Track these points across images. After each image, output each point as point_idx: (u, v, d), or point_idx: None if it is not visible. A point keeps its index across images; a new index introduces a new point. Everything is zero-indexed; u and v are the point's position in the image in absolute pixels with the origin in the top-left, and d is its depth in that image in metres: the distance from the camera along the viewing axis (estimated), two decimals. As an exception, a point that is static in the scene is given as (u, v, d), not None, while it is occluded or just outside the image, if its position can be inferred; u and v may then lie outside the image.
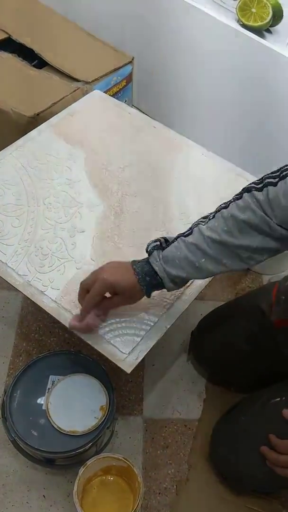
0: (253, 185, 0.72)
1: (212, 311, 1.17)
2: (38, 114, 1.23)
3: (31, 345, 1.23)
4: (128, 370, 0.78)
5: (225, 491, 1.05)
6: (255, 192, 0.71)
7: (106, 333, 0.81)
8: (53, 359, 1.04)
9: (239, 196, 0.73)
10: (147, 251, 0.78)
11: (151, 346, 0.81)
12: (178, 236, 0.77)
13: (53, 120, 1.13)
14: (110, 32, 1.57)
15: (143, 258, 0.79)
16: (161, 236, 0.79)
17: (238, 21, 1.26)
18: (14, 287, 0.86)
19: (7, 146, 1.06)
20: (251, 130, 1.40)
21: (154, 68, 1.58)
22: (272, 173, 0.72)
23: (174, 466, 1.09)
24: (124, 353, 0.79)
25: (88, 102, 1.18)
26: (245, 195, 0.72)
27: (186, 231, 0.77)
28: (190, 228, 0.76)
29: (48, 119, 1.13)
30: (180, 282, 0.78)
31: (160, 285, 0.77)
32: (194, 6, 1.31)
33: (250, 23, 1.23)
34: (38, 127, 1.11)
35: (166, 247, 0.76)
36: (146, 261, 0.77)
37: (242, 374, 1.10)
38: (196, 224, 0.76)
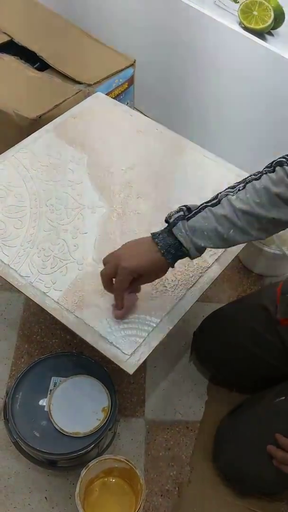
0: (284, 159, 0.72)
1: (214, 311, 1.16)
2: (40, 117, 1.23)
3: (33, 346, 1.23)
4: (130, 371, 0.78)
5: (227, 493, 1.05)
6: (285, 167, 0.71)
7: (108, 334, 0.81)
8: (55, 360, 1.04)
9: (271, 169, 0.73)
10: (168, 222, 0.76)
11: (153, 347, 0.81)
12: (204, 206, 0.75)
13: (55, 122, 1.13)
14: (112, 35, 1.58)
15: (162, 229, 0.77)
16: (184, 205, 0.77)
17: (240, 23, 1.26)
18: (16, 288, 0.86)
19: (10, 148, 1.07)
20: (252, 129, 1.40)
21: (155, 71, 1.58)
22: None
23: (176, 468, 1.08)
24: (126, 354, 0.80)
25: (90, 104, 1.18)
26: (278, 168, 0.72)
27: (212, 200, 0.75)
28: (217, 198, 0.75)
29: (50, 121, 1.14)
30: (203, 250, 0.77)
31: (185, 255, 0.76)
32: (196, 8, 1.31)
33: (252, 26, 1.23)
34: (40, 129, 1.11)
35: (192, 217, 0.74)
36: (168, 231, 0.75)
37: (245, 374, 1.10)
38: (225, 194, 0.74)
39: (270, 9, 1.18)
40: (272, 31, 1.23)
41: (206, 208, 0.74)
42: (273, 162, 0.73)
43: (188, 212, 0.75)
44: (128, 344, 0.80)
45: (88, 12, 1.67)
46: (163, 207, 0.99)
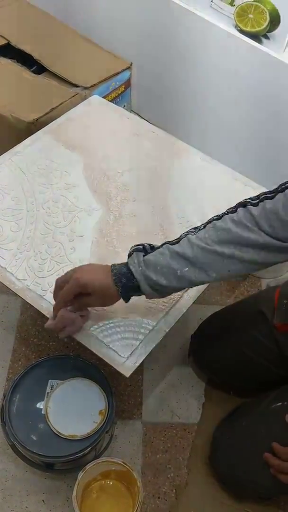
0: (249, 200, 0.72)
1: (212, 316, 1.16)
2: (37, 120, 1.23)
3: (30, 349, 1.23)
4: (127, 374, 0.79)
5: (224, 496, 1.05)
6: (250, 207, 0.71)
7: (105, 337, 0.81)
8: (52, 363, 1.04)
9: (233, 210, 0.73)
10: (128, 254, 0.77)
11: (150, 350, 0.81)
12: (164, 243, 0.76)
13: (52, 125, 1.14)
14: (108, 38, 1.58)
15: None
16: (148, 243, 0.77)
17: (236, 26, 1.27)
18: (13, 291, 0.86)
19: (6, 151, 1.07)
20: (250, 132, 1.41)
21: (152, 74, 1.59)
22: (269, 191, 0.71)
23: (173, 470, 1.08)
24: (123, 357, 0.80)
25: (87, 107, 1.18)
26: (240, 209, 0.72)
27: (173, 240, 0.76)
28: (179, 238, 0.75)
29: (47, 124, 1.14)
30: (160, 290, 0.75)
31: (136, 289, 0.76)
32: (192, 12, 1.32)
33: (248, 29, 1.24)
34: (37, 133, 1.12)
35: (151, 252, 0.75)
36: (126, 263, 0.76)
37: (242, 378, 1.10)
38: (186, 234, 0.75)
39: (265, 12, 1.18)
40: (267, 34, 1.23)
41: (165, 245, 0.75)
42: (238, 203, 0.73)
43: (150, 249, 0.76)
44: (125, 347, 0.81)
45: (84, 15, 1.68)
46: (159, 210, 0.99)
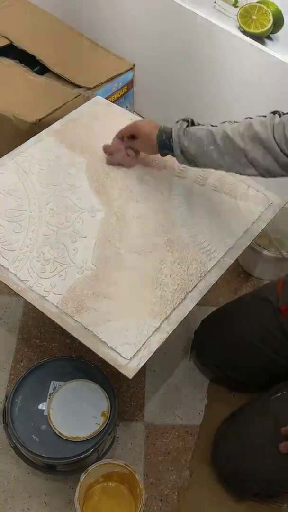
0: (278, 111, 0.83)
1: (215, 310, 1.18)
2: (40, 120, 1.23)
3: (33, 350, 1.23)
4: (130, 375, 0.78)
5: (226, 498, 1.05)
6: (276, 116, 0.82)
7: (107, 339, 0.81)
8: (54, 364, 1.04)
9: (264, 115, 0.83)
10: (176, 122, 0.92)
11: (153, 351, 0.81)
12: (208, 123, 0.89)
13: (55, 126, 1.13)
14: (111, 39, 1.58)
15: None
16: (198, 122, 0.92)
17: (239, 28, 1.26)
18: (15, 292, 0.86)
19: (9, 151, 1.07)
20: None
21: (155, 75, 1.59)
22: None
23: (175, 473, 1.08)
24: (126, 358, 0.79)
25: (89, 108, 1.18)
26: (269, 114, 0.83)
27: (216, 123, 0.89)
28: (221, 123, 0.88)
29: (50, 125, 1.14)
30: (188, 157, 0.90)
31: (171, 149, 0.91)
32: (195, 13, 1.31)
33: (251, 30, 1.24)
34: (40, 133, 1.11)
35: (196, 125, 0.90)
36: (172, 126, 0.91)
37: (246, 370, 1.09)
38: (224, 121, 0.88)
39: (269, 13, 1.18)
40: (271, 35, 1.23)
41: (207, 124, 0.89)
42: (274, 111, 0.84)
43: (197, 124, 0.92)
44: (128, 349, 0.80)
45: (87, 16, 1.68)
46: (162, 211, 0.99)
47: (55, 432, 0.95)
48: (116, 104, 1.29)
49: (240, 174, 0.86)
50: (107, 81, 1.36)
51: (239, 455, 0.97)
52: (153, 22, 1.47)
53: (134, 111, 1.59)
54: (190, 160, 0.90)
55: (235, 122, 0.86)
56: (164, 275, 0.89)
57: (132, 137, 0.99)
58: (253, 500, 1.05)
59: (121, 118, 1.17)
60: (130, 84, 1.46)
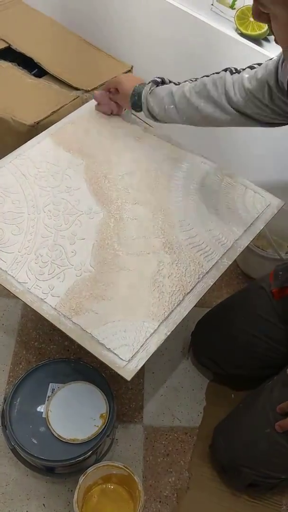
0: (231, 68, 0.93)
1: (211, 308, 1.20)
2: (38, 123, 1.23)
3: (31, 352, 1.23)
4: (128, 377, 0.78)
5: (226, 499, 1.05)
6: (227, 73, 0.92)
7: (105, 340, 0.81)
8: (53, 366, 1.04)
9: (220, 71, 0.94)
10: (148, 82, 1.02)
11: (151, 353, 0.81)
12: (171, 82, 1.01)
13: (53, 128, 1.14)
14: (109, 41, 1.58)
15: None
16: (171, 80, 1.02)
17: (236, 30, 1.27)
18: (14, 294, 0.86)
19: (7, 154, 1.07)
20: (250, 135, 1.41)
21: (152, 76, 1.59)
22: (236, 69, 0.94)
23: (174, 474, 1.08)
24: (124, 360, 0.79)
25: (87, 110, 1.18)
26: (222, 72, 0.93)
27: (179, 82, 1.00)
28: (184, 81, 0.98)
29: (48, 127, 1.14)
30: (154, 116, 1.03)
31: (140, 106, 1.04)
32: (192, 15, 1.32)
33: (248, 32, 1.24)
34: (38, 136, 1.11)
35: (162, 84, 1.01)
36: (144, 85, 1.02)
37: (244, 363, 1.10)
38: (188, 80, 0.98)
39: (266, 16, 1.18)
40: (268, 37, 1.23)
41: (171, 83, 1.01)
42: (225, 68, 0.94)
43: (168, 83, 1.02)
44: (126, 350, 0.80)
45: (85, 18, 1.68)
46: (160, 213, 0.99)
47: (53, 434, 0.95)
48: (114, 106, 1.30)
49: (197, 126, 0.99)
50: (105, 83, 1.36)
51: (236, 440, 0.98)
52: (150, 25, 1.47)
53: (132, 113, 1.59)
54: (155, 118, 1.04)
55: (195, 79, 0.96)
56: (162, 277, 0.89)
57: (116, 89, 1.09)
58: (252, 494, 1.04)
59: (119, 120, 1.17)
60: (128, 86, 1.46)
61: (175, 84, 1.00)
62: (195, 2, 1.31)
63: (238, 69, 0.93)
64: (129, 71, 1.42)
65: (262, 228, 0.99)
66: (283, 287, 1.03)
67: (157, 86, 1.01)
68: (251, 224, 0.99)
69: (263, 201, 1.03)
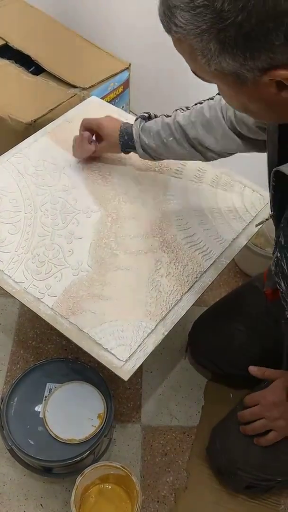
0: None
1: (208, 308, 1.20)
2: (35, 121, 1.23)
3: (28, 352, 1.22)
4: (126, 377, 0.78)
5: (223, 498, 1.04)
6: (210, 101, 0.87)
7: (103, 340, 0.81)
8: (50, 366, 1.04)
9: (212, 97, 0.87)
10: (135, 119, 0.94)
11: (149, 353, 0.80)
12: (161, 115, 0.92)
13: (50, 126, 1.13)
14: (107, 38, 1.57)
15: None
16: (154, 113, 0.94)
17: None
18: (11, 294, 0.86)
19: (4, 152, 1.06)
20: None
21: (151, 74, 1.58)
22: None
23: (172, 474, 1.08)
24: (121, 360, 0.79)
25: (85, 108, 1.18)
26: (216, 96, 0.87)
27: (169, 114, 0.91)
28: (174, 112, 0.91)
29: (46, 125, 1.13)
30: (151, 153, 0.93)
31: (133, 148, 0.95)
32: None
33: (247, 29, 1.23)
34: (35, 134, 1.11)
35: (150, 120, 0.93)
36: (131, 125, 0.94)
37: (240, 363, 1.09)
38: (178, 109, 0.90)
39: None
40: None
41: (161, 116, 0.92)
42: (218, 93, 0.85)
43: (154, 117, 0.93)
44: (123, 350, 0.80)
45: (83, 16, 1.67)
46: (158, 212, 0.98)
47: (51, 435, 0.95)
48: (111, 104, 1.29)
49: (203, 160, 0.91)
50: (103, 81, 1.36)
51: (232, 443, 0.97)
52: (148, 22, 1.46)
53: (130, 111, 1.58)
54: (153, 155, 0.94)
55: (186, 108, 0.90)
56: (159, 276, 0.89)
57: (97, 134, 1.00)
58: (249, 495, 1.04)
59: (117, 118, 1.16)
60: (125, 84, 1.45)
61: (165, 115, 0.92)
62: None
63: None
64: (127, 68, 1.41)
65: (260, 226, 0.99)
66: (276, 289, 1.02)
67: (146, 121, 0.93)
68: (250, 222, 0.99)
69: (262, 200, 1.03)
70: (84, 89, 1.32)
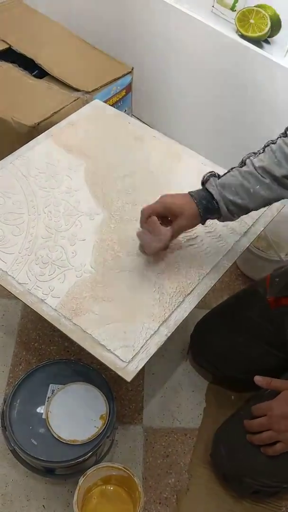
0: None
1: (209, 311, 1.20)
2: (38, 124, 1.23)
3: (31, 353, 1.23)
4: (129, 378, 0.78)
5: (226, 501, 1.04)
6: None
7: (106, 341, 0.81)
8: (53, 367, 1.04)
9: (284, 134, 0.81)
10: (202, 181, 0.84)
11: (152, 354, 0.81)
12: (231, 168, 0.83)
13: (53, 129, 1.14)
14: (110, 43, 1.58)
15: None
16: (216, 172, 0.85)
17: (237, 31, 1.27)
18: (14, 295, 0.86)
19: (8, 155, 1.07)
20: (251, 136, 1.41)
21: (153, 78, 1.59)
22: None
23: (174, 476, 1.08)
24: (124, 361, 0.79)
25: (88, 111, 1.19)
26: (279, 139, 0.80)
27: (239, 164, 0.83)
28: (242, 161, 0.83)
29: (49, 128, 1.14)
30: (235, 211, 0.82)
31: (216, 211, 0.83)
32: (193, 17, 1.32)
33: (249, 34, 1.24)
34: (39, 137, 1.12)
35: (222, 177, 0.83)
36: (203, 188, 0.83)
37: (243, 368, 1.09)
38: (247, 157, 0.82)
39: (267, 17, 1.18)
40: (269, 39, 1.23)
41: (234, 169, 0.83)
42: (286, 128, 0.81)
43: (220, 175, 0.84)
44: (126, 351, 0.80)
45: (86, 19, 1.68)
46: (161, 214, 0.99)
47: (53, 436, 0.95)
48: (114, 107, 1.30)
49: None
50: (106, 84, 1.37)
51: (238, 450, 0.97)
52: (151, 26, 1.47)
53: (133, 115, 1.59)
54: (237, 212, 0.83)
55: (254, 154, 0.83)
56: (162, 278, 0.89)
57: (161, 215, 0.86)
58: (253, 499, 1.04)
59: (120, 121, 1.17)
60: (128, 88, 1.46)
61: (237, 167, 0.83)
62: (195, 4, 1.32)
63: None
64: (130, 72, 1.42)
65: (262, 229, 1.00)
66: (278, 296, 1.02)
67: (217, 177, 0.84)
68: (251, 225, 0.99)
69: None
70: (87, 92, 1.33)
